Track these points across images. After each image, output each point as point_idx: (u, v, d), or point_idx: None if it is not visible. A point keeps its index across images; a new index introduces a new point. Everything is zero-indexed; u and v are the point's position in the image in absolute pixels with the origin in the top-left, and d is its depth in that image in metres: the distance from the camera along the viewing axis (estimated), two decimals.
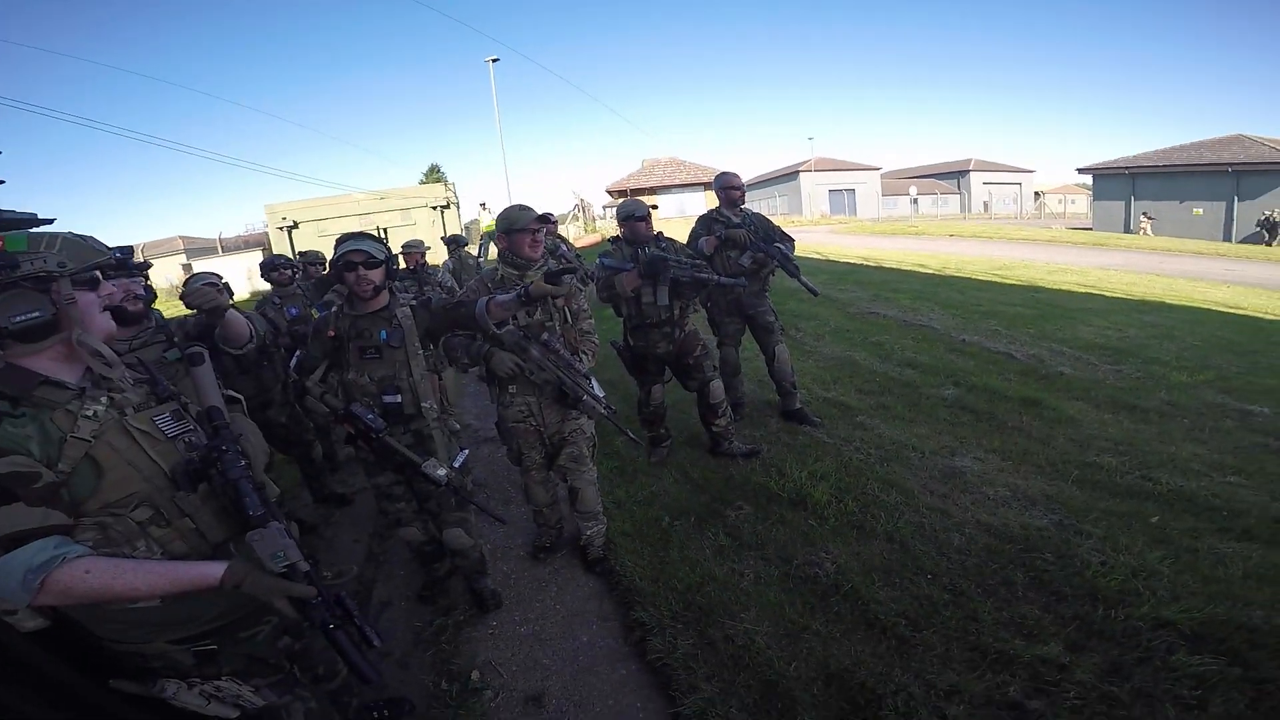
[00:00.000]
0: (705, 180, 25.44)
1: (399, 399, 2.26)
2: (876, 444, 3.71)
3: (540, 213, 2.59)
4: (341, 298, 2.38)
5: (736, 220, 3.90)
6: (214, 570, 1.09)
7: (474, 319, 2.19)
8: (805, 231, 26.65)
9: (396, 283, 2.46)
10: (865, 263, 12.24)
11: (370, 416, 2.13)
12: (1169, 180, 23.69)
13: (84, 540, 1.09)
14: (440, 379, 2.35)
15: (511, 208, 2.62)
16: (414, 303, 2.33)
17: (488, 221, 17.18)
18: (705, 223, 4.02)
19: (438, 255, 7.76)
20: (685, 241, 3.84)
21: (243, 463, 1.21)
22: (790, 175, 43.36)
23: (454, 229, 18.38)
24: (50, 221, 8.83)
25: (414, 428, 2.32)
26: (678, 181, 26.16)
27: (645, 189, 24.93)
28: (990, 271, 10.88)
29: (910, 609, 2.31)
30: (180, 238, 23.33)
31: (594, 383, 2.64)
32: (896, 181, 47.40)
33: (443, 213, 19.64)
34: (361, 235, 2.27)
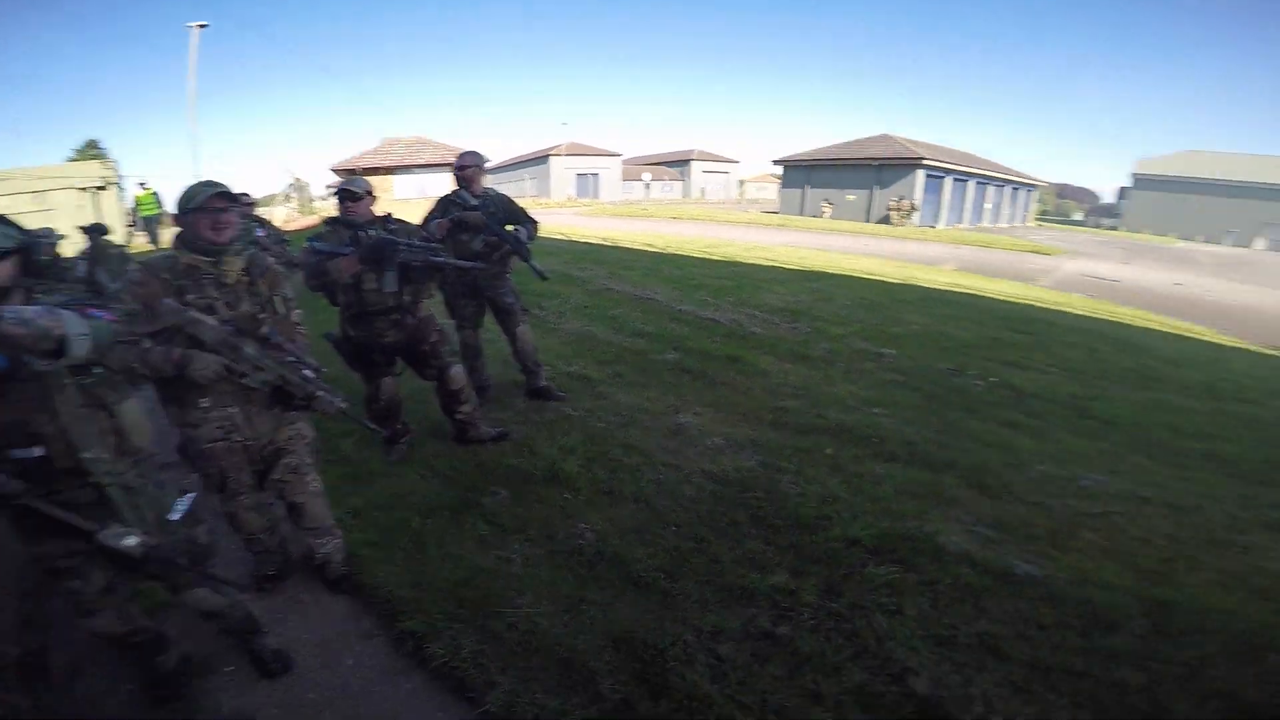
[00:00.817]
0: (452, 161, 24.20)
1: (37, 451, 1.61)
2: (615, 411, 3.99)
3: (217, 189, 2.09)
4: None
5: (474, 202, 3.84)
6: None
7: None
8: (553, 213, 27.08)
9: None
10: (604, 243, 13.01)
11: None
12: (834, 171, 29.58)
13: None
14: (112, 415, 1.72)
15: (193, 184, 2.17)
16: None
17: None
18: (443, 205, 3.87)
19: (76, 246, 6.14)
20: (419, 223, 3.65)
21: None
22: (541, 159, 43.70)
23: (114, 214, 14.64)
24: None
25: (88, 483, 1.68)
26: (420, 161, 24.48)
27: (380, 168, 22.80)
28: (702, 250, 12.42)
29: (665, 562, 2.50)
30: None
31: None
32: (633, 167, 50.94)
33: (97, 195, 15.49)
34: None
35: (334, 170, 24.62)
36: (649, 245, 12.78)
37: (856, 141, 30.52)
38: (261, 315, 2.20)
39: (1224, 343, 8.62)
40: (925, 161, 26.68)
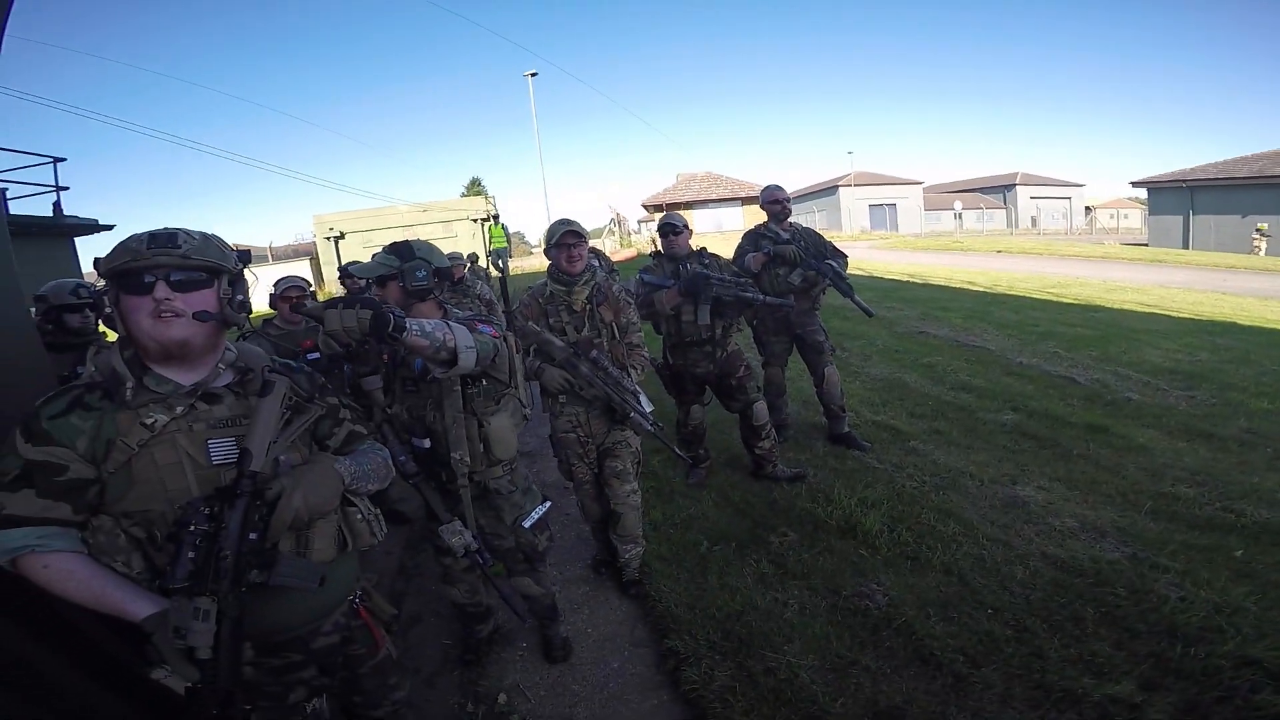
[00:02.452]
0: (742, 195, 25.34)
1: (426, 444, 1.97)
2: (931, 471, 3.55)
3: (569, 227, 2.53)
4: None
5: (785, 235, 3.79)
6: (139, 608, 1.07)
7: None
8: (846, 246, 26.14)
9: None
10: (911, 279, 11.94)
11: (401, 458, 1.82)
12: (1229, 193, 22.56)
13: (87, 537, 1.11)
14: (483, 425, 1.99)
15: (554, 223, 2.60)
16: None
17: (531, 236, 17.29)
18: (752, 238, 3.92)
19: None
20: (730, 258, 3.74)
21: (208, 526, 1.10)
22: (829, 190, 43.00)
23: (498, 242, 18.58)
24: (111, 228, 9.26)
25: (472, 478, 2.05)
26: (714, 196, 26.11)
27: (680, 203, 24.91)
28: (1044, 290, 10.47)
29: (969, 645, 2.17)
30: (234, 245, 24.24)
31: (642, 398, 2.62)
32: (940, 196, 46.47)
33: (484, 225, 19.94)
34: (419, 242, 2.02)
35: (645, 205, 27.67)
36: (970, 283, 11.30)
37: (1259, 155, 22.72)
38: (598, 339, 2.56)
39: None
40: None
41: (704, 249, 3.42)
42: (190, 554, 1.07)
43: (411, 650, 2.57)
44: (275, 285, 3.33)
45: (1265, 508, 3.01)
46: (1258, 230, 21.35)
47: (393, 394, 1.97)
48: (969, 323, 7.47)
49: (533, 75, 21.68)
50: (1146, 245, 25.03)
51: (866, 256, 17.99)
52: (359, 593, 1.44)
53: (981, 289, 10.65)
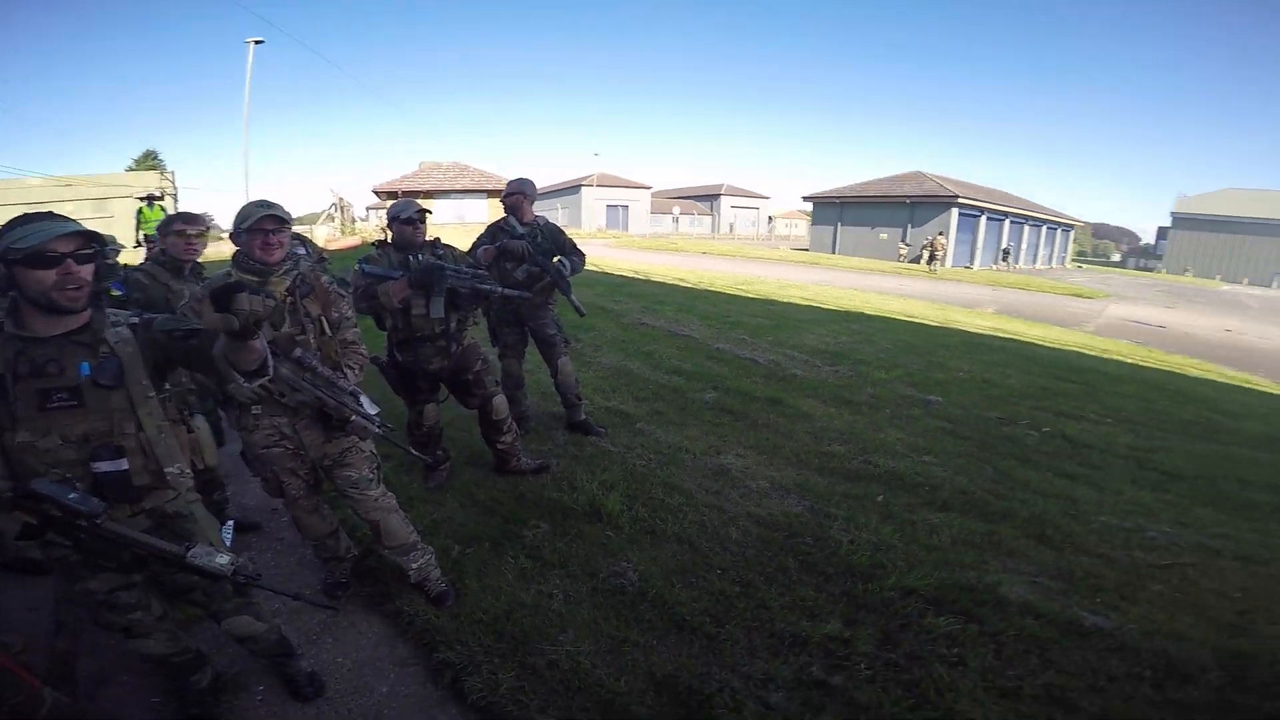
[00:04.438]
0: (489, 187, 24.79)
1: (124, 465, 1.58)
2: (655, 449, 3.92)
3: (269, 211, 2.14)
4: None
5: (521, 230, 3.85)
6: None
7: (210, 358, 1.54)
8: (584, 244, 27.40)
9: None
10: (637, 276, 13.07)
11: (73, 496, 1.40)
12: (866, 209, 29.49)
13: None
14: (191, 430, 1.77)
15: (247, 204, 2.21)
16: (134, 320, 1.63)
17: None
18: (491, 232, 3.90)
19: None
20: (469, 250, 3.68)
21: None
22: (573, 189, 44.57)
23: (148, 228, 15.11)
24: None
25: (150, 505, 1.66)
26: (458, 187, 25.07)
27: (419, 192, 23.39)
28: (735, 287, 12.39)
29: (711, 606, 2.44)
30: None
31: (364, 400, 2.32)
32: (663, 200, 51.60)
33: (154, 206, 16.10)
34: (54, 215, 1.49)
35: (376, 192, 25.35)
36: (681, 280, 12.80)
37: (889, 179, 30.45)
38: (301, 336, 2.22)
39: None
40: (959, 200, 26.47)
41: (438, 239, 3.26)
42: None
43: (113, 716, 2.05)
44: None
45: (892, 458, 3.96)
46: (1003, 251, 28.36)
47: (8, 420, 1.47)
48: (679, 315, 8.43)
49: (257, 42, 18.35)
50: (809, 250, 31.37)
51: (602, 254, 19.13)
52: None
53: (690, 286, 12.13)
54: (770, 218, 58.46)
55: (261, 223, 2.12)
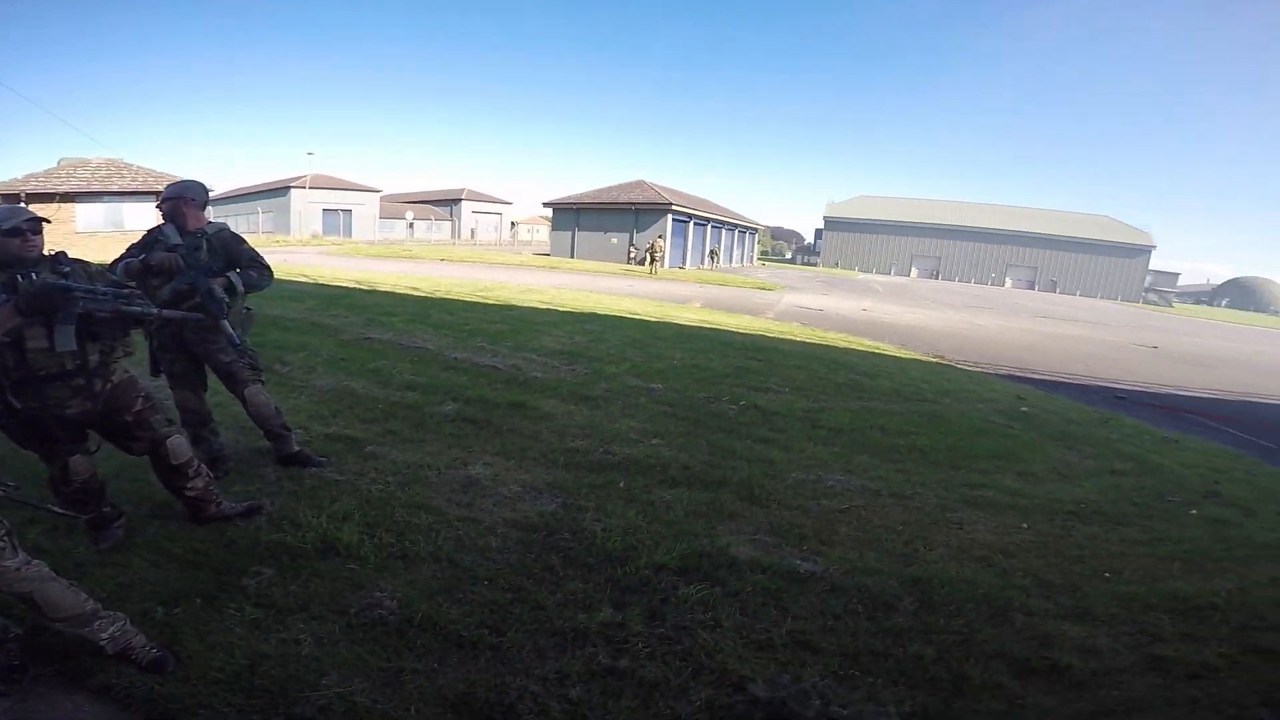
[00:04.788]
0: (158, 189, 20.23)
1: None
2: (393, 471, 3.66)
3: None
4: None
5: (176, 241, 3.22)
6: None
7: None
8: (293, 252, 24.18)
9: None
10: (359, 286, 11.98)
11: None
12: (599, 215, 31.41)
13: None
14: None
15: None
16: None
17: None
18: (144, 242, 3.21)
19: None
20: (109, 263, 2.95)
21: None
22: (280, 190, 38.91)
23: None
24: None
25: None
26: (113, 188, 20.17)
27: (55, 194, 18.35)
28: (475, 293, 12.21)
29: (487, 617, 2.40)
30: None
31: None
32: (395, 205, 48.12)
33: None
34: None
35: None
36: (414, 289, 12.10)
37: (617, 186, 32.95)
38: None
39: (901, 355, 11.00)
40: (674, 207, 29.84)
41: (62, 253, 2.54)
42: None
43: None
44: None
45: (627, 445, 4.27)
46: (712, 252, 30.48)
47: None
48: (411, 325, 7.99)
49: None
50: (550, 254, 32.30)
51: (316, 262, 17.09)
52: None
53: (423, 294, 11.58)
54: (513, 223, 58.66)
55: None
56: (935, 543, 3.36)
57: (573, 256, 30.95)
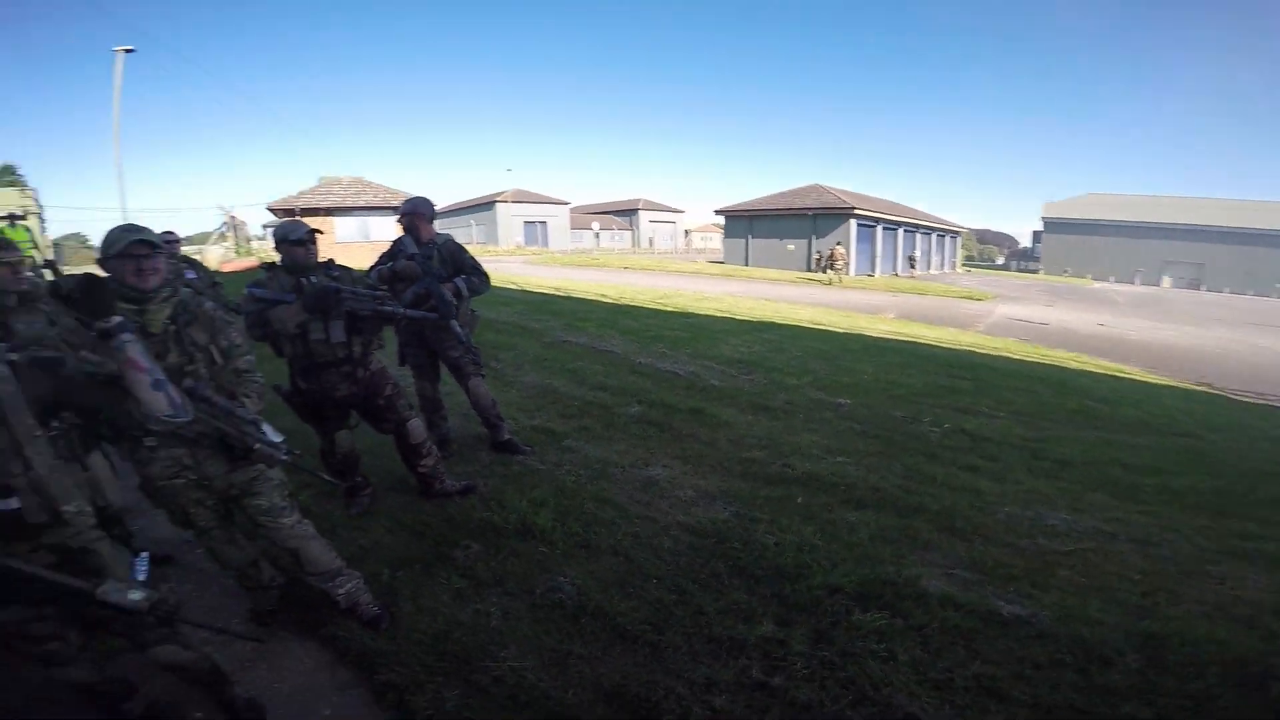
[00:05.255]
0: (394, 204, 24.02)
1: (14, 504, 1.51)
2: (584, 464, 3.91)
3: (138, 235, 2.03)
4: None
5: (413, 250, 3.73)
6: None
7: (123, 403, 1.56)
8: (501, 261, 27.07)
9: None
10: (557, 293, 13.02)
11: None
12: (773, 221, 30.58)
13: None
14: (85, 468, 1.64)
15: (114, 229, 2.07)
16: (13, 356, 1.54)
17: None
18: (390, 252, 3.79)
19: None
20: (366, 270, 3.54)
21: None
22: (487, 205, 43.87)
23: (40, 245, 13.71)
24: None
25: (52, 541, 1.59)
26: (360, 203, 24.17)
27: (319, 209, 22.36)
28: (655, 301, 12.62)
29: (650, 615, 2.46)
30: None
31: (267, 428, 2.24)
32: (582, 216, 51.76)
33: (16, 226, 14.50)
34: None
35: (271, 209, 23.96)
36: (602, 296, 12.87)
37: (791, 191, 31.70)
38: (190, 367, 2.15)
39: (1153, 380, 9.23)
40: (856, 211, 27.98)
41: (332, 260, 3.12)
42: None
43: None
44: None
45: (807, 461, 4.10)
46: (910, 258, 29.07)
47: None
48: (602, 330, 8.49)
49: (127, 51, 17.12)
50: (723, 262, 32.26)
51: (522, 271, 18.94)
52: None
53: (611, 301, 12.25)
54: (686, 231, 59.95)
55: (131, 248, 2.01)
56: (1184, 597, 2.76)
57: (747, 264, 30.54)
